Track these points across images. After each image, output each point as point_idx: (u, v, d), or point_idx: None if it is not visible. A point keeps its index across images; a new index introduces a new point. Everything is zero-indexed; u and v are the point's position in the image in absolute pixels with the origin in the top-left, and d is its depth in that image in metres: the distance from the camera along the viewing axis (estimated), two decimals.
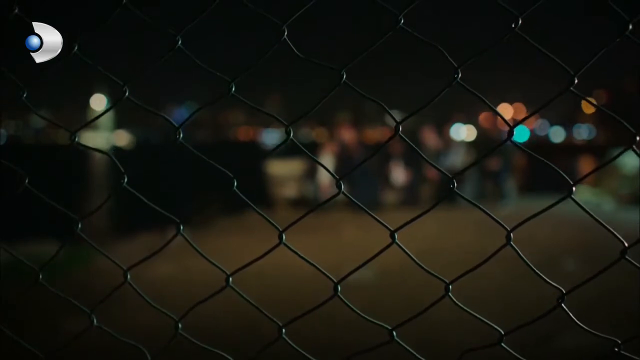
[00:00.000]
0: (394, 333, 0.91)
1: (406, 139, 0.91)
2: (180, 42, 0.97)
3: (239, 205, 7.81)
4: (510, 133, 0.84)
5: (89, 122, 1.23)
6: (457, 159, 8.23)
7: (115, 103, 1.14)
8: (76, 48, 1.06)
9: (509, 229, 0.86)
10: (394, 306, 3.43)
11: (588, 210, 0.80)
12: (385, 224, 0.91)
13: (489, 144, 8.20)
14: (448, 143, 8.43)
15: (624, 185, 8.78)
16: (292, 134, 0.93)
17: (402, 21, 0.84)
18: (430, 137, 8.21)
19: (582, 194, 8.89)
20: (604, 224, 0.79)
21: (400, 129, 0.89)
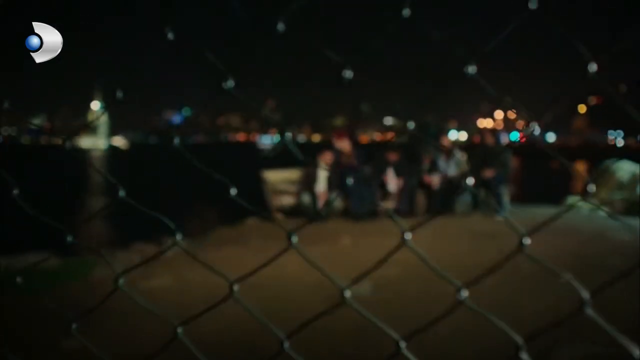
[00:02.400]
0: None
1: (408, 246, 0.90)
2: (174, 144, 0.99)
3: (237, 214, 7.81)
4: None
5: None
6: (452, 169, 8.23)
7: (109, 204, 1.17)
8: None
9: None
10: (390, 319, 3.42)
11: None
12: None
13: (485, 148, 8.21)
14: (449, 151, 8.38)
15: (618, 193, 8.80)
16: (294, 241, 0.93)
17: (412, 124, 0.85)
18: (425, 159, 8.21)
19: (575, 201, 8.91)
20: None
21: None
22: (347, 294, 0.89)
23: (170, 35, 0.92)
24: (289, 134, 0.98)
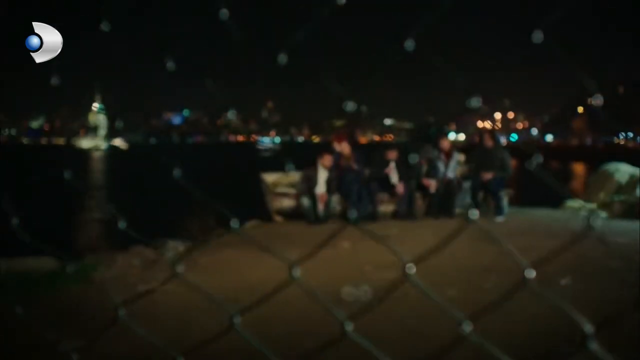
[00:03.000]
0: None
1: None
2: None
3: (239, 216, 7.78)
4: None
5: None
6: (451, 171, 8.22)
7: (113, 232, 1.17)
8: None
9: None
10: (391, 323, 3.42)
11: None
12: None
13: (483, 149, 8.17)
14: (448, 154, 8.34)
15: (616, 195, 8.79)
16: (296, 275, 0.94)
17: None
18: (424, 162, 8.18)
19: (573, 205, 8.89)
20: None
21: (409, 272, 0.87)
22: (349, 327, 0.89)
23: (170, 65, 0.92)
24: (291, 166, 0.98)
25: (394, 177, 7.92)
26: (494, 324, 3.44)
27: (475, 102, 0.78)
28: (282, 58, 0.82)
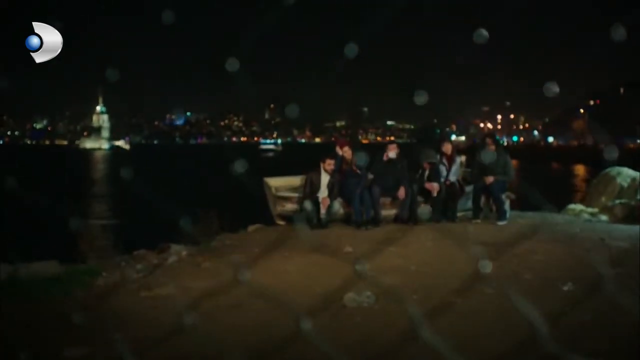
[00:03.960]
0: None
1: None
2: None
3: (241, 220, 7.80)
4: None
5: None
6: (453, 174, 8.20)
7: None
8: None
9: None
10: (392, 328, 3.41)
11: None
12: None
13: (483, 151, 8.12)
14: (450, 157, 8.31)
15: (618, 198, 8.76)
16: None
17: None
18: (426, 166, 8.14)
19: (575, 209, 8.86)
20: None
21: None
22: None
23: (174, 114, 0.91)
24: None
25: (392, 153, 7.85)
26: (492, 327, 3.44)
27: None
28: (293, 110, 0.83)
